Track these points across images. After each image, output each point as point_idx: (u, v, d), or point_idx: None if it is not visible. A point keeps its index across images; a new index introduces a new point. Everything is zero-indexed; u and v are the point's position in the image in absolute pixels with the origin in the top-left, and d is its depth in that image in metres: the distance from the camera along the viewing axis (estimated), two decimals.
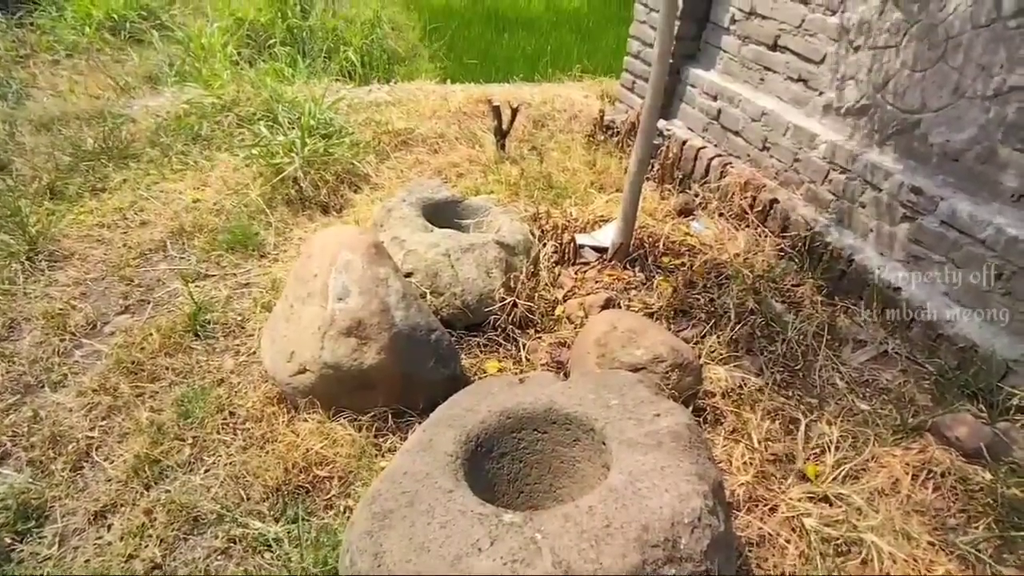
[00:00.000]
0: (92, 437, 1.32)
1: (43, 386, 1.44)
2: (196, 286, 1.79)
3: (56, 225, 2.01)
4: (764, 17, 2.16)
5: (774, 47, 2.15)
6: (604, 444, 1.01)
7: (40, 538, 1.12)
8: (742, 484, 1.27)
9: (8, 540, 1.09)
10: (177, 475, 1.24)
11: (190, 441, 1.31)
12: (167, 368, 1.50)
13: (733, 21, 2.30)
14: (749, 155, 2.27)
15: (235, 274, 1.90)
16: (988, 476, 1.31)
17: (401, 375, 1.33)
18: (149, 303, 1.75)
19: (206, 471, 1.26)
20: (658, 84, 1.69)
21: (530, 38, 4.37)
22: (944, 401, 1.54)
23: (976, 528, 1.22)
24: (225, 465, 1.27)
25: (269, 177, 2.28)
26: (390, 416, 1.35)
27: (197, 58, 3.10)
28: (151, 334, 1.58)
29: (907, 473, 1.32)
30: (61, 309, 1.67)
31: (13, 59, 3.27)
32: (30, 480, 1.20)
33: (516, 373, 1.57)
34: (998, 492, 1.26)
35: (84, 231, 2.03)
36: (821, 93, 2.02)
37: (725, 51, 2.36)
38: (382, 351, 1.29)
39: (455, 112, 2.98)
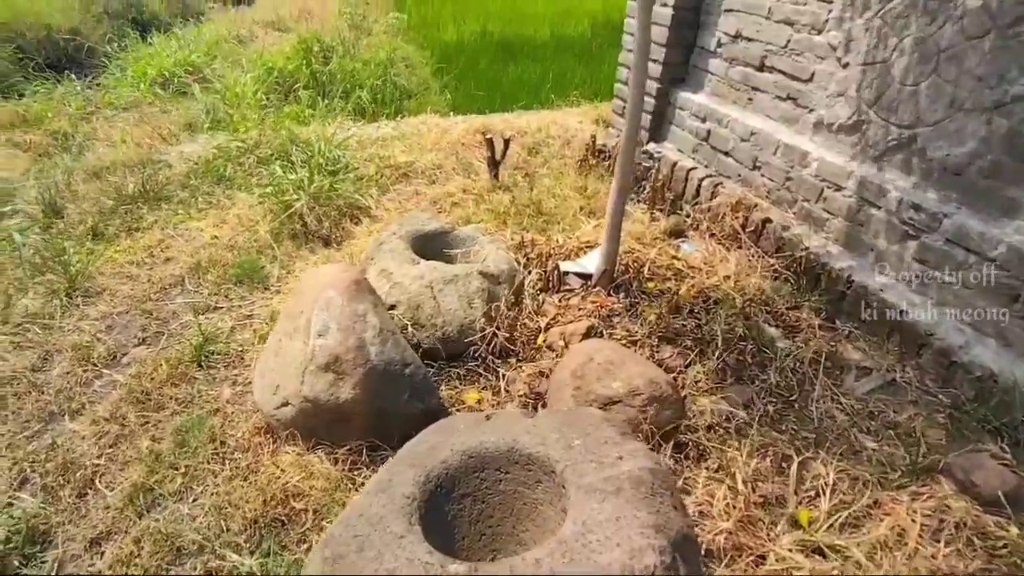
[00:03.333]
0: (99, 465, 1.43)
1: (64, 415, 1.58)
2: (205, 318, 1.93)
3: (94, 264, 2.24)
4: (750, 39, 2.15)
5: (761, 68, 2.13)
6: (564, 487, 0.98)
7: (42, 563, 1.21)
8: (722, 531, 1.19)
9: (16, 563, 1.20)
10: (168, 504, 1.32)
11: (183, 470, 1.40)
12: (171, 398, 1.62)
13: (719, 45, 2.30)
14: (740, 175, 2.22)
15: (240, 306, 2.03)
16: (1015, 531, 1.16)
17: (375, 409, 1.37)
18: (164, 335, 1.90)
19: (194, 500, 1.33)
20: (635, 112, 1.71)
21: (535, 66, 4.51)
22: (960, 438, 1.40)
23: None
24: (211, 495, 1.33)
25: (278, 213, 2.45)
26: (365, 450, 1.39)
27: (231, 105, 3.41)
28: (161, 364, 1.71)
29: (915, 523, 1.18)
30: (87, 342, 1.84)
31: (80, 115, 3.73)
32: (41, 505, 1.32)
33: (495, 404, 1.57)
34: None
35: (117, 268, 2.24)
36: (811, 110, 1.97)
37: (713, 73, 2.35)
38: (357, 386, 1.34)
39: (454, 143, 3.10)
